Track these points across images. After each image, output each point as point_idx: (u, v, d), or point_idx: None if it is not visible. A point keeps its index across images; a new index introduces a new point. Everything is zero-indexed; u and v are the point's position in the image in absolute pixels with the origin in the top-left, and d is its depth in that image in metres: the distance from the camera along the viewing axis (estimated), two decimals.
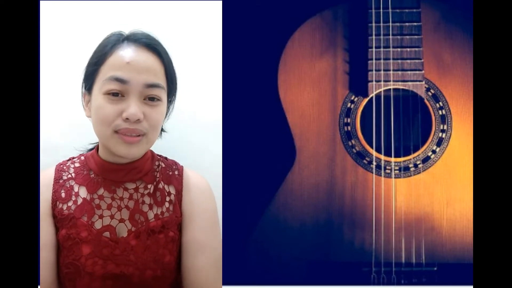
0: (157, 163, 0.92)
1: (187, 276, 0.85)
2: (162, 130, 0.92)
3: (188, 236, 0.87)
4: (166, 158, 0.95)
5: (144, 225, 0.84)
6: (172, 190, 0.89)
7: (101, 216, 0.83)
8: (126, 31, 0.86)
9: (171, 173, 0.91)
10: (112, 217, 0.84)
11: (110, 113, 0.80)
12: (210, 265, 0.85)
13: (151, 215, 0.85)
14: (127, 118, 0.79)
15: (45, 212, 0.84)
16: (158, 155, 0.94)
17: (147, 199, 0.86)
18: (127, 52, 0.81)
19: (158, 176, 0.89)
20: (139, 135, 0.82)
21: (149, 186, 0.87)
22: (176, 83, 0.90)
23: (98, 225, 0.83)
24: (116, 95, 0.80)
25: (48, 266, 0.82)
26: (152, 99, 0.82)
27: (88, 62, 0.85)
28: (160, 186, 0.88)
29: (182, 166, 0.94)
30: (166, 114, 0.90)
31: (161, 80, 0.84)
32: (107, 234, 0.82)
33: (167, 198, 0.88)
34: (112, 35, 0.85)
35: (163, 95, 0.84)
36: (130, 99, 0.80)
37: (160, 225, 0.85)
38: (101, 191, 0.85)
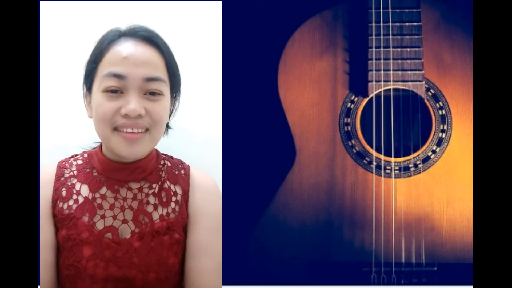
0: (162, 162, 0.89)
1: (189, 278, 0.83)
2: (167, 126, 0.90)
3: (193, 238, 0.85)
4: (171, 157, 0.93)
5: (149, 226, 0.82)
6: (178, 190, 0.87)
7: (103, 217, 0.81)
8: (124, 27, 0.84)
9: (177, 172, 0.89)
10: (114, 217, 0.82)
11: (109, 110, 0.78)
12: (213, 268, 0.83)
13: (156, 215, 0.83)
14: (126, 114, 0.77)
15: (45, 211, 0.82)
16: (163, 154, 0.92)
17: (151, 199, 0.84)
18: (124, 47, 0.79)
19: (163, 175, 0.87)
20: (140, 132, 0.79)
21: (154, 185, 0.85)
22: (179, 77, 0.87)
23: (99, 225, 0.81)
24: (115, 92, 0.78)
25: (47, 267, 0.80)
26: (153, 93, 0.80)
27: (87, 61, 0.84)
28: (166, 185, 0.86)
29: (188, 166, 0.92)
30: (172, 111, 0.88)
31: (162, 73, 0.82)
32: (109, 235, 0.80)
33: (173, 198, 0.86)
34: (110, 32, 0.84)
35: (165, 89, 0.82)
36: (129, 95, 0.78)
37: (166, 226, 0.83)
38: (103, 190, 0.83)
